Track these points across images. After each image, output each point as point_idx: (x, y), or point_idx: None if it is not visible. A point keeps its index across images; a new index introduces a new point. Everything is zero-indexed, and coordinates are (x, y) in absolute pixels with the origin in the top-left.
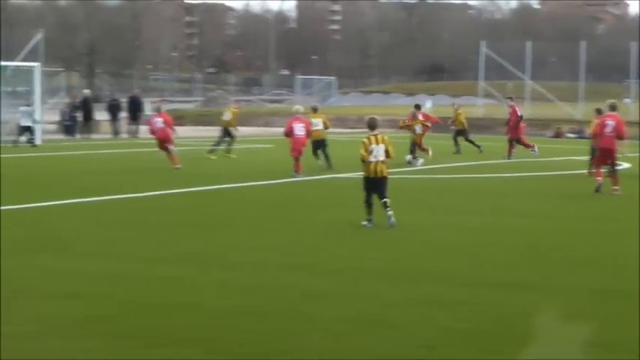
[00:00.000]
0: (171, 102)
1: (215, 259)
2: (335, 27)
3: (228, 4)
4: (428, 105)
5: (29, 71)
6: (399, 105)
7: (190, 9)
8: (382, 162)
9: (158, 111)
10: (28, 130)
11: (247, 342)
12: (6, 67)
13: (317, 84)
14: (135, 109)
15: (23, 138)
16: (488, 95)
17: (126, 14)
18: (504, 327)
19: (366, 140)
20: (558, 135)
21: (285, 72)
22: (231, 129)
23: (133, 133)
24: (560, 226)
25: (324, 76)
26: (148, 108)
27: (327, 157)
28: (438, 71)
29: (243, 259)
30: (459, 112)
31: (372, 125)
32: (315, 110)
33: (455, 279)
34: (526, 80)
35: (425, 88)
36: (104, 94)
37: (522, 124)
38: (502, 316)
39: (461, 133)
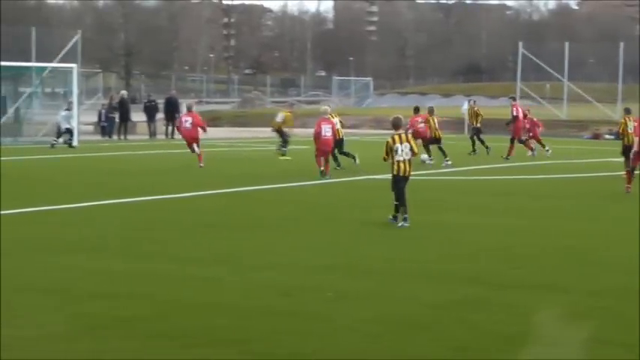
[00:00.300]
0: (208, 103)
1: (250, 259)
2: (372, 28)
3: (265, 5)
4: (465, 107)
5: (67, 72)
6: (435, 106)
7: (228, 10)
8: (409, 160)
9: (189, 110)
10: (68, 132)
11: (281, 343)
12: (44, 68)
13: (353, 85)
14: (171, 110)
15: (61, 139)
16: (525, 96)
17: (163, 15)
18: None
19: (390, 140)
20: (596, 136)
21: (322, 73)
22: (286, 130)
23: (170, 135)
24: (596, 227)
25: (361, 77)
26: (184, 109)
27: (336, 156)
28: (475, 72)
29: (277, 259)
30: (476, 110)
31: (396, 124)
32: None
33: (491, 280)
34: (564, 81)
35: (462, 89)
36: (141, 96)
37: (526, 125)
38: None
39: (478, 131)
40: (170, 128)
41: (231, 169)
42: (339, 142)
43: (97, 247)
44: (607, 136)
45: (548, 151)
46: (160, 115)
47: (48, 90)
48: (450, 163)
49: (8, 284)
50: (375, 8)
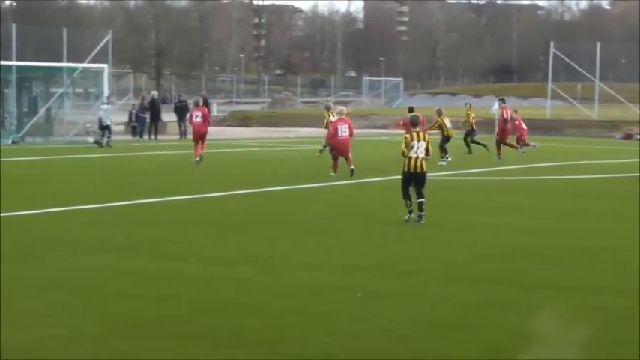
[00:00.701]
0: (238, 103)
1: (280, 259)
2: (402, 28)
3: (296, 5)
4: (495, 107)
5: (98, 73)
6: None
7: (258, 10)
8: (422, 159)
9: (197, 104)
10: (106, 128)
11: (312, 343)
12: (75, 68)
13: (384, 85)
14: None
15: (105, 139)
16: (556, 97)
17: (194, 16)
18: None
19: (408, 136)
20: (628, 137)
21: (352, 73)
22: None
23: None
24: (626, 227)
25: (391, 77)
26: (215, 109)
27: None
28: (506, 72)
29: (308, 260)
30: (469, 112)
31: (414, 123)
32: (328, 109)
33: (520, 281)
34: (595, 81)
35: (492, 89)
36: (172, 96)
37: (509, 127)
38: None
39: (469, 133)
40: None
41: (261, 169)
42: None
43: (126, 247)
44: (639, 137)
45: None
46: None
47: (79, 90)
48: (449, 160)
49: (38, 283)
50: (405, 8)
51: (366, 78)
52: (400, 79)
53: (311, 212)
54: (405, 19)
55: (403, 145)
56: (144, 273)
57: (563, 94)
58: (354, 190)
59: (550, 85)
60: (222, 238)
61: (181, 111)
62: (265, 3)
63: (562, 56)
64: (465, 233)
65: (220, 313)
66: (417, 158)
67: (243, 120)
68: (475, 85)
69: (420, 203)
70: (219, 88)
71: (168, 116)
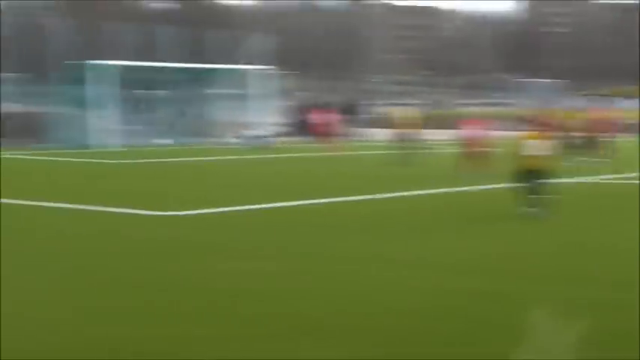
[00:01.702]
0: (391, 105)
1: (436, 260)
2: (559, 29)
3: (451, 6)
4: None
5: (257, 74)
6: (623, 108)
7: (411, 11)
8: (536, 156)
9: (319, 108)
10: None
11: (437, 343)
12: (231, 70)
13: (539, 87)
14: (352, 112)
15: (272, 139)
16: None
17: (345, 17)
18: None
19: (522, 135)
20: None
21: (507, 75)
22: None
23: (357, 137)
24: None
25: (547, 79)
26: (364, 111)
27: None
28: None
29: (447, 260)
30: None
31: (532, 122)
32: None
33: None
34: None
35: None
36: (323, 98)
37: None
38: None
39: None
40: (350, 130)
41: (414, 171)
42: None
43: (279, 248)
44: None
45: None
46: (341, 117)
47: (234, 92)
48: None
49: (184, 285)
50: (563, 9)
51: (520, 80)
52: (557, 80)
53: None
54: (562, 20)
55: (516, 145)
56: (295, 273)
57: None
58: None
59: None
60: (398, 240)
61: (338, 113)
62: (420, 4)
63: None
64: (585, 236)
65: (370, 315)
66: (529, 156)
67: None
68: (632, 87)
69: (539, 198)
70: (370, 90)
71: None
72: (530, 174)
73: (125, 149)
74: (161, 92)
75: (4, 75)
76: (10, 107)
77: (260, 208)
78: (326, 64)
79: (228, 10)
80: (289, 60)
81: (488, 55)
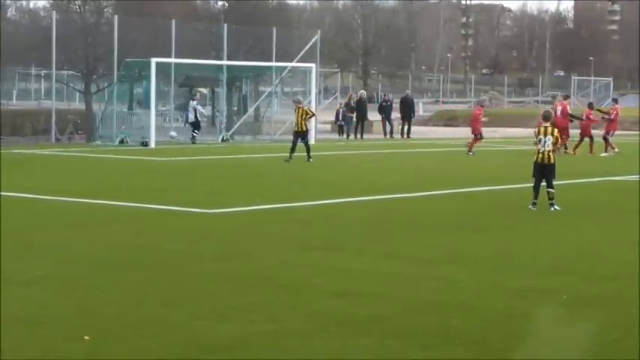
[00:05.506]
0: (445, 103)
1: (485, 260)
2: (613, 27)
3: (504, 4)
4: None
5: (306, 72)
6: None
7: (466, 10)
8: (549, 151)
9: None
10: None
11: (517, 344)
12: (284, 68)
13: (593, 85)
14: (407, 110)
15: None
16: None
17: (402, 15)
18: None
19: (536, 130)
20: None
21: (561, 73)
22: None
23: (406, 134)
24: None
25: (601, 77)
26: (421, 109)
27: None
28: None
29: (512, 261)
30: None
31: (546, 117)
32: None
33: None
34: None
35: None
36: (378, 95)
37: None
38: None
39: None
40: (406, 127)
41: (466, 169)
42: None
43: (336, 245)
44: None
45: None
46: (396, 115)
47: (287, 89)
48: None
49: (248, 280)
50: (617, 7)
51: (574, 78)
52: (610, 79)
53: (519, 213)
54: (617, 17)
55: (535, 135)
56: (349, 271)
57: None
58: (570, 190)
59: None
60: (428, 237)
61: (387, 110)
62: (474, 2)
63: None
64: None
65: (425, 312)
66: (543, 151)
67: (450, 120)
68: None
69: (549, 192)
70: (425, 87)
71: (373, 115)
72: (543, 167)
73: (203, 146)
74: (223, 90)
75: (68, 73)
76: (73, 105)
77: (315, 205)
78: (383, 61)
79: (289, 8)
80: (345, 58)
81: (543, 53)
